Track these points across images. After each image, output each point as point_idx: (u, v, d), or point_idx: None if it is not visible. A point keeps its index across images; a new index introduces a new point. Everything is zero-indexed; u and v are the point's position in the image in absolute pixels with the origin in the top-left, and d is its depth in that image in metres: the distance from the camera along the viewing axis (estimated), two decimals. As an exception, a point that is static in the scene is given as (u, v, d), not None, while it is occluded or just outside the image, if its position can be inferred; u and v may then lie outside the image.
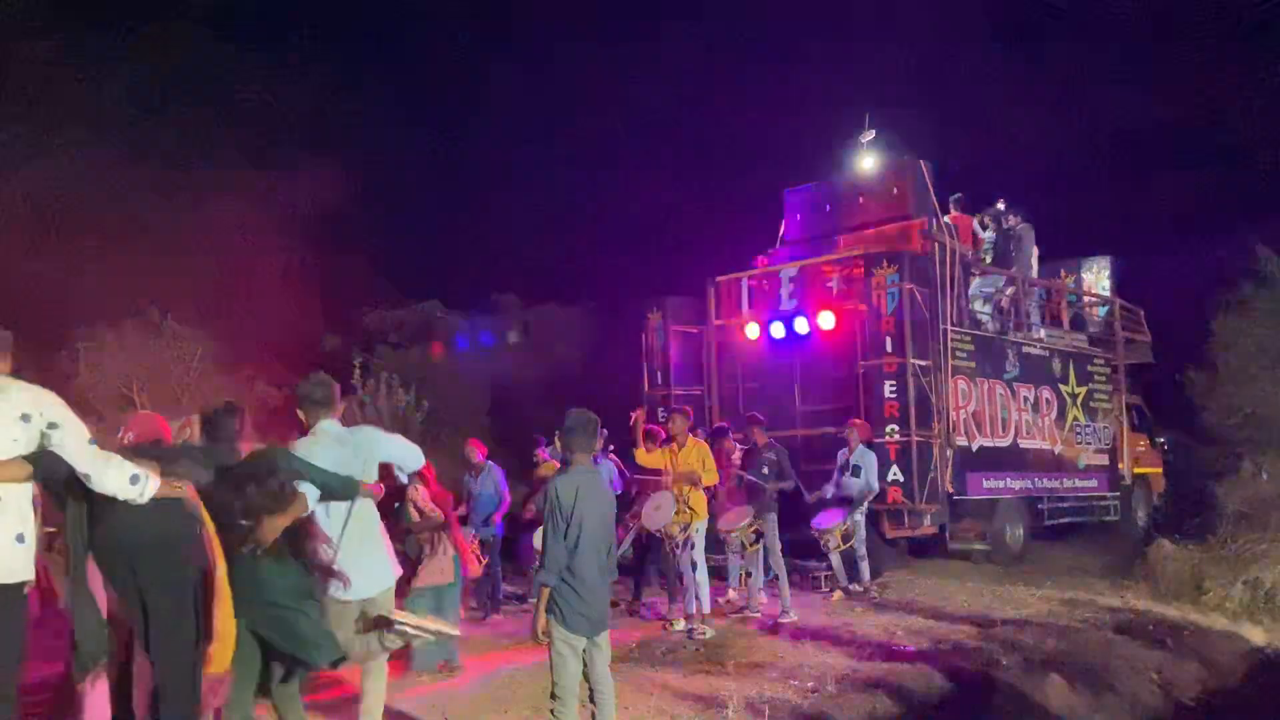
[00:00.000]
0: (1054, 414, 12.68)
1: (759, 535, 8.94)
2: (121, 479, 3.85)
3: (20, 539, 3.71)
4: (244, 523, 4.27)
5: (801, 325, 11.26)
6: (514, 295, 21.75)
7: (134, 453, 4.17)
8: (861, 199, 12.63)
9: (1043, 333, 12.93)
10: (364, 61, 30.02)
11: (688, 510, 8.39)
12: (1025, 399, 12.20)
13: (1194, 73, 25.47)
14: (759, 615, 8.99)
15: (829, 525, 9.56)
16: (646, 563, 9.65)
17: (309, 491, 4.63)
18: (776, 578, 9.00)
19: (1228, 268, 13.45)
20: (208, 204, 15.43)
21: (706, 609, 8.45)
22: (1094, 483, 13.38)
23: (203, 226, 15.13)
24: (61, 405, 3.81)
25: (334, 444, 4.94)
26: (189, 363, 12.90)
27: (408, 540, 6.96)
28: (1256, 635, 8.30)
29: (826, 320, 11.09)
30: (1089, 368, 13.55)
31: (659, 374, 12.45)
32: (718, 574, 9.45)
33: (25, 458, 3.77)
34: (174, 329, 13.19)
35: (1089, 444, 13.33)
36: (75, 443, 3.79)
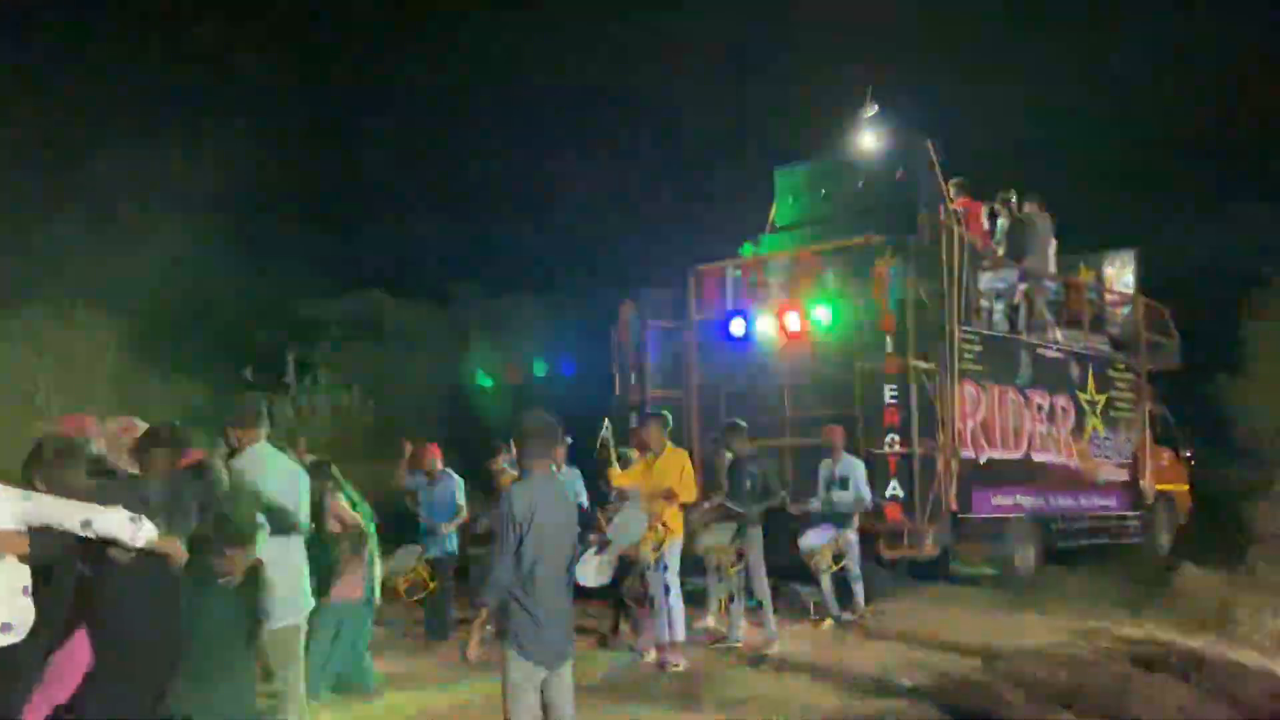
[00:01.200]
0: (1070, 424, 12.76)
1: (741, 555, 8.91)
2: (121, 518, 4.23)
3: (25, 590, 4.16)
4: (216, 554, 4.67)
5: (793, 321, 11.25)
6: (473, 284, 21.66)
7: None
8: (861, 181, 12.63)
9: (1059, 334, 13.00)
10: (306, 23, 29.76)
11: (661, 527, 8.33)
12: (1039, 407, 12.26)
13: (1227, 47, 25.77)
14: (740, 645, 8.97)
15: (817, 545, 9.56)
16: (620, 589, 9.60)
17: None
18: (760, 603, 8.99)
19: (1263, 264, 13.60)
20: (125, 179, 15.24)
21: (680, 637, 8.42)
22: (1113, 501, 13.48)
23: (119, 205, 14.95)
24: None
25: (278, 471, 5.37)
26: (101, 355, 12.73)
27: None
28: (1291, 672, 8.34)
29: (821, 316, 11.09)
30: (1110, 373, 13.65)
31: (633, 375, 12.40)
32: (694, 599, 9.42)
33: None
34: (85, 317, 13.01)
35: (1108, 458, 13.42)
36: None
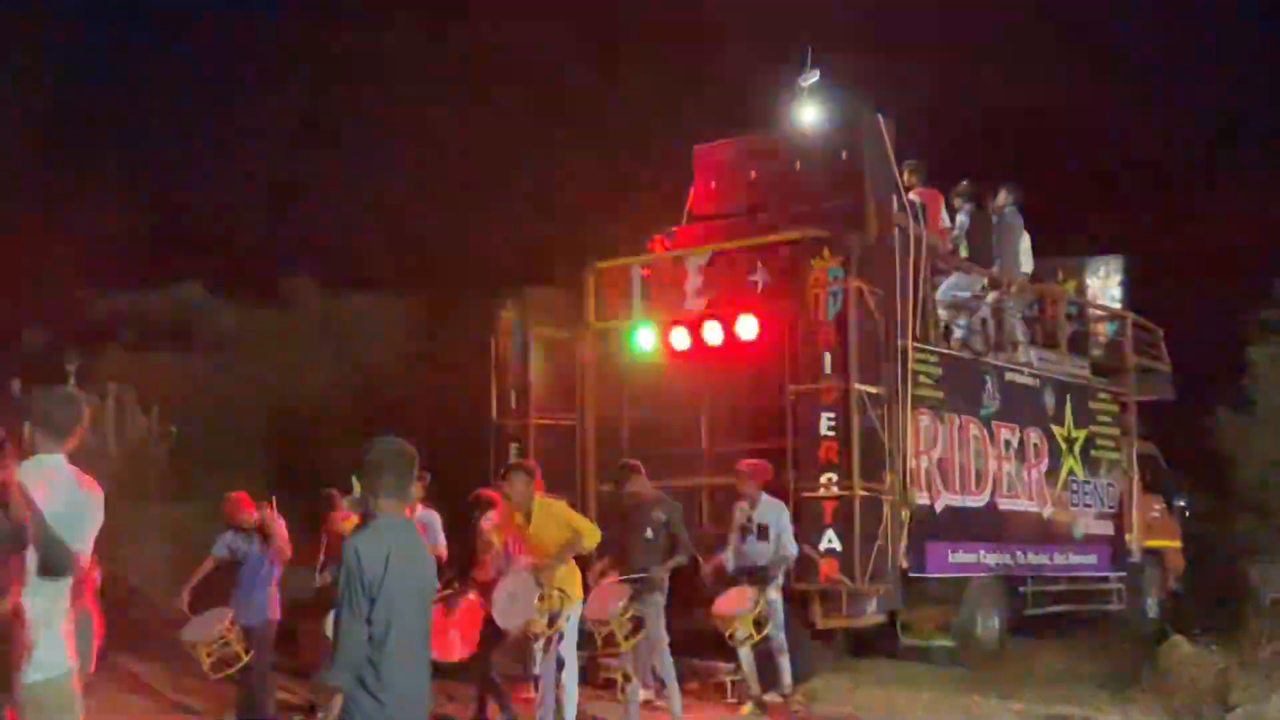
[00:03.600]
0: (1044, 465, 13.08)
1: (639, 625, 8.93)
2: None
3: None
4: None
5: (713, 333, 11.34)
6: (310, 279, 21.36)
7: None
8: (798, 162, 12.77)
9: (1033, 355, 13.34)
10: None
11: (555, 593, 8.36)
12: (1007, 444, 12.54)
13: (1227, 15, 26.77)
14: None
15: (735, 611, 9.62)
16: (490, 662, 9.54)
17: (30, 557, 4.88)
18: (663, 683, 9.01)
19: (1271, 276, 14.11)
20: None
21: (570, 721, 8.45)
22: (1093, 559, 13.84)
23: None
24: None
25: (67, 493, 5.17)
26: None
27: None
28: (1296, 764, 8.66)
29: (746, 327, 11.19)
30: (1091, 404, 14.04)
31: (513, 395, 12.37)
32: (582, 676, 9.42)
33: None
34: None
35: (1088, 507, 13.79)
36: None
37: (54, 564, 5.02)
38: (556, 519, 8.53)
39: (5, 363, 14.48)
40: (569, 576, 8.52)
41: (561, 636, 8.44)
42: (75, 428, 5.35)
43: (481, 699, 9.59)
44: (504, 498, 8.79)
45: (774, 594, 9.91)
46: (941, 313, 12.19)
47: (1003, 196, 13.43)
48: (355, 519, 9.31)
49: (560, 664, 8.42)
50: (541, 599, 8.28)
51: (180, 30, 27.61)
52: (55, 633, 5.13)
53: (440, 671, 9.46)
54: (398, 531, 4.80)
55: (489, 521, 9.12)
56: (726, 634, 9.67)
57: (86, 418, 5.44)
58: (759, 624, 9.74)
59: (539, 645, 8.51)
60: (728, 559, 10.07)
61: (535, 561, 8.44)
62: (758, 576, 9.88)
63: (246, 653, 8.85)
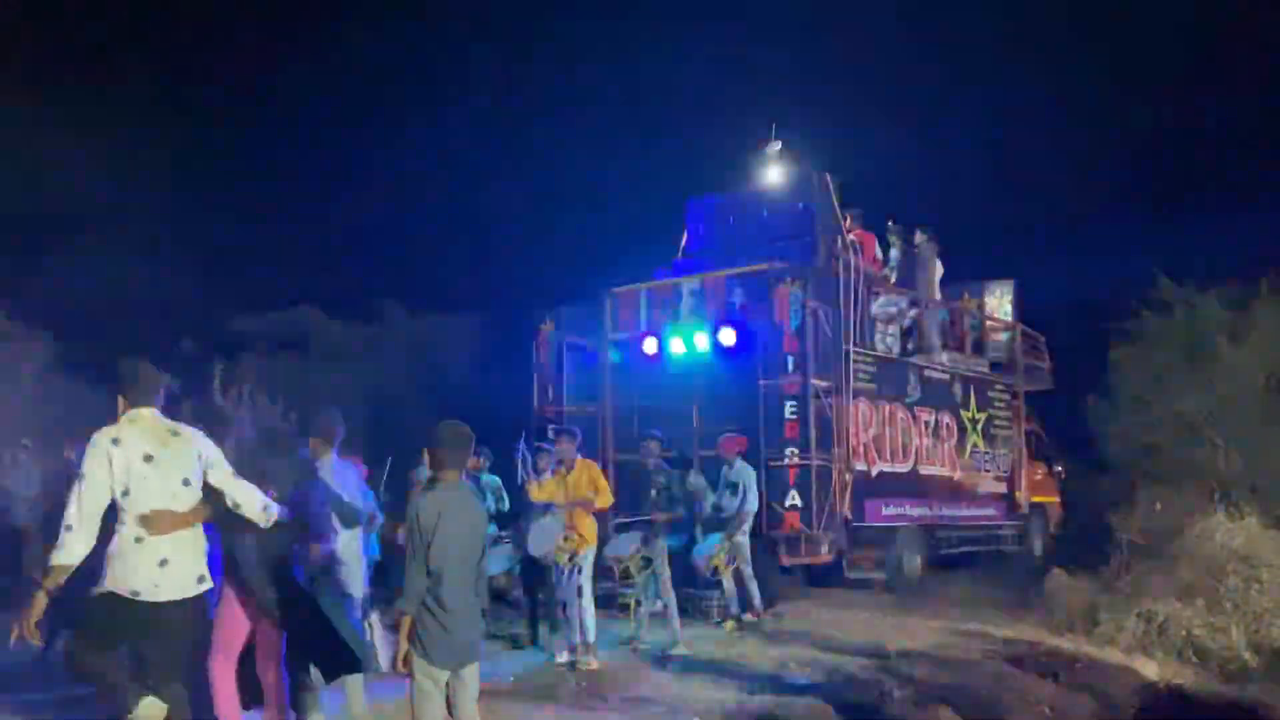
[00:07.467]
0: (954, 440, 13.02)
1: (648, 561, 8.89)
2: (259, 504, 4.88)
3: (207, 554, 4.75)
4: None
5: (702, 341, 11.29)
6: (398, 302, 21.36)
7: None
8: (766, 211, 12.77)
9: (945, 356, 13.28)
10: (238, 36, 29.16)
11: (576, 536, 8.32)
12: (926, 424, 12.48)
13: (1099, 91, 26.76)
14: (646, 646, 8.93)
15: (706, 552, 9.59)
16: (537, 594, 9.44)
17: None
18: (666, 607, 8.96)
19: (1129, 294, 14.03)
20: (51, 190, 14.66)
21: (592, 639, 8.36)
22: (992, 511, 13.77)
23: (45, 214, 14.38)
24: (210, 441, 4.79)
25: (349, 478, 6.25)
26: (19, 366, 12.19)
27: None
28: (1149, 669, 8.58)
29: (727, 337, 11.12)
30: (989, 393, 13.98)
31: (550, 390, 12.31)
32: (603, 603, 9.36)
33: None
34: (7, 327, 12.45)
35: (988, 471, 13.73)
36: (226, 474, 4.78)
37: (348, 520, 6.06)
38: (590, 475, 8.51)
39: (165, 368, 14.44)
40: (588, 525, 8.46)
41: (580, 570, 8.37)
42: (338, 433, 6.31)
43: (532, 620, 9.49)
44: (555, 454, 8.74)
45: (741, 537, 9.85)
46: (876, 324, 12.14)
47: (919, 235, 13.41)
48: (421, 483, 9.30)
49: (579, 591, 8.35)
50: (565, 539, 8.26)
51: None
52: (352, 560, 6.19)
53: (496, 597, 9.47)
54: (451, 492, 4.77)
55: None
56: (706, 570, 9.65)
57: (340, 424, 6.33)
58: (729, 560, 9.72)
59: (563, 578, 8.44)
60: (707, 508, 10.04)
61: (565, 505, 8.40)
62: (726, 524, 9.83)
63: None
